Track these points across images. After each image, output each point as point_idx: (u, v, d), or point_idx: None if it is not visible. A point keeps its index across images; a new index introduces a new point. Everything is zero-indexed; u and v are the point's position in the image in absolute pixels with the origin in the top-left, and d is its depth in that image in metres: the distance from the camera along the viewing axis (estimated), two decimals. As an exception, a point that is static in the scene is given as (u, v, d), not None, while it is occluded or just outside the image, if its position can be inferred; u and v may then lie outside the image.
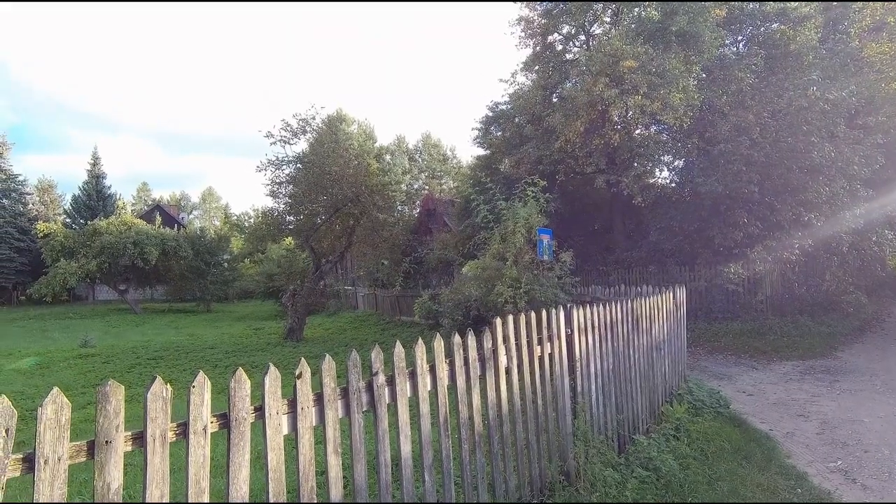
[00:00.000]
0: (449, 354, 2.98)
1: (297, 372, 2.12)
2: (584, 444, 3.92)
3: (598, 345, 4.51)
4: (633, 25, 12.10)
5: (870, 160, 10.91)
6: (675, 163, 13.61)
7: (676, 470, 4.47)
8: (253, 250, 33.76)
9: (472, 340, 3.12)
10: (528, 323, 3.64)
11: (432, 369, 2.83)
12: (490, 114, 16.90)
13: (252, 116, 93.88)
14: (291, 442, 2.14)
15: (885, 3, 15.19)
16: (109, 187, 44.03)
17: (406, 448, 2.56)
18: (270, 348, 15.44)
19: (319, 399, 2.21)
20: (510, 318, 3.50)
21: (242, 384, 1.93)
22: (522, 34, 15.20)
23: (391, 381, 2.57)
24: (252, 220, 21.92)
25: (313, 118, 15.35)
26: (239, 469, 1.87)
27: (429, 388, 2.80)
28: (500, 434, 3.28)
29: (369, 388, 2.46)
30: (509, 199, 9.80)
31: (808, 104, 10.32)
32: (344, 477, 2.35)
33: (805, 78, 11.58)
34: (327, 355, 2.26)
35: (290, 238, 21.84)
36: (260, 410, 1.99)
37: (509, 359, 3.44)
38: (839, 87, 10.58)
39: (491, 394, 3.22)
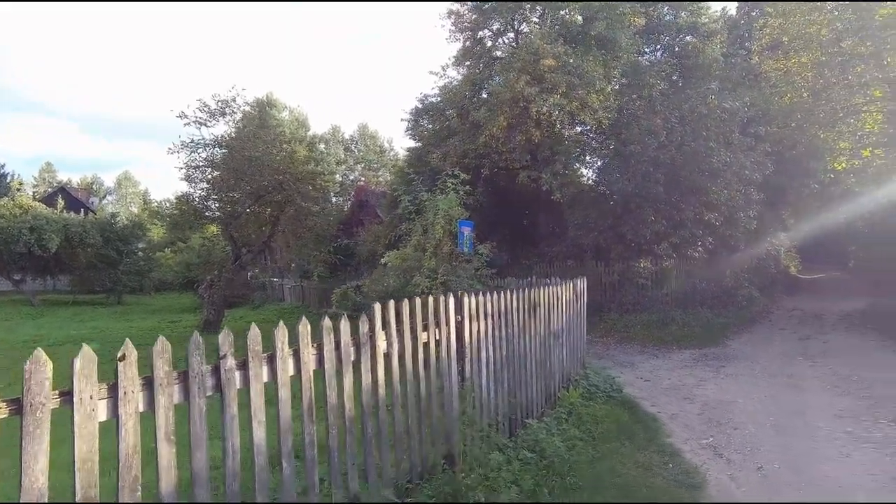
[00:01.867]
0: (319, 338, 2.91)
1: (118, 354, 1.97)
2: (468, 429, 3.99)
3: (490, 331, 4.60)
4: (556, 27, 12.51)
5: (761, 166, 11.97)
6: (594, 162, 14.27)
7: (562, 451, 4.67)
8: (175, 239, 31.72)
9: (345, 325, 3.07)
10: (412, 309, 3.64)
11: (296, 353, 2.75)
12: (419, 106, 16.87)
13: (179, 101, 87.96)
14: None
15: (782, 23, 16.66)
16: (2, 166, 39.62)
17: (260, 434, 2.47)
18: (182, 342, 14.57)
19: (150, 383, 2.07)
20: (391, 303, 3.48)
21: (41, 366, 1.75)
22: (453, 28, 15.27)
23: (244, 365, 2.47)
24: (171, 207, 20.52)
25: (233, 99, 14.58)
26: (35, 459, 1.70)
27: (291, 372, 2.71)
28: (376, 420, 3.25)
29: (216, 371, 2.35)
30: (432, 191, 9.85)
31: (708, 111, 11.18)
32: (187, 466, 2.21)
33: (705, 87, 12.52)
34: (160, 337, 2.12)
35: (213, 227, 20.69)
36: (68, 395, 1.82)
37: (389, 344, 3.42)
38: (734, 98, 11.54)
39: (366, 379, 3.18)
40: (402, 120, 17.99)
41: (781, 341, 11.61)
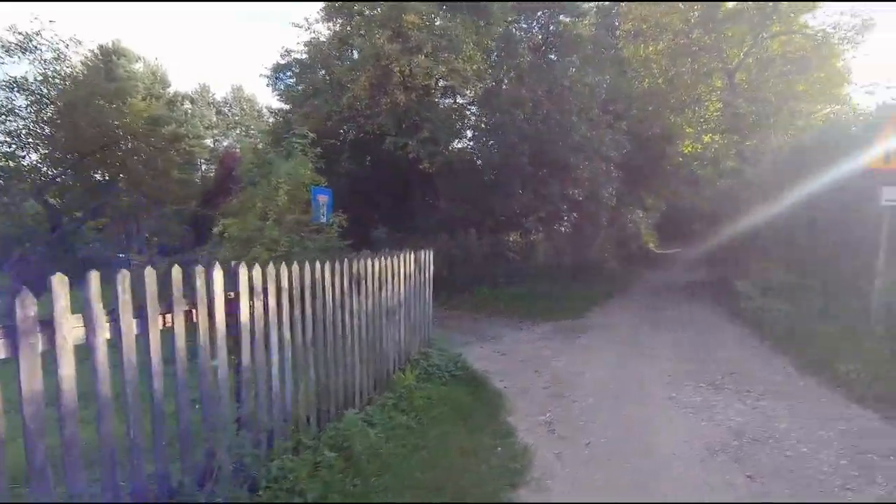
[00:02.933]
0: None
1: None
2: (239, 434, 3.16)
3: (288, 310, 3.78)
4: (425, -15, 11.72)
5: (619, 144, 12.45)
6: (465, 132, 13.93)
7: (377, 444, 4.05)
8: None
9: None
10: (128, 285, 2.68)
11: None
12: (282, 61, 15.14)
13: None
14: None
15: (644, 14, 17.52)
16: None
17: None
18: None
19: None
20: (92, 275, 2.51)
21: None
22: (320, -21, 13.76)
23: None
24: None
25: (38, 33, 11.70)
26: None
27: None
28: (66, 434, 2.29)
29: None
30: (278, 153, 8.69)
31: (570, 84, 11.28)
32: None
33: (568, 59, 12.69)
34: None
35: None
36: None
37: (90, 331, 2.45)
38: (593, 74, 11.80)
39: (29, 383, 2.19)
40: (260, 76, 16.07)
41: (635, 311, 12.29)
